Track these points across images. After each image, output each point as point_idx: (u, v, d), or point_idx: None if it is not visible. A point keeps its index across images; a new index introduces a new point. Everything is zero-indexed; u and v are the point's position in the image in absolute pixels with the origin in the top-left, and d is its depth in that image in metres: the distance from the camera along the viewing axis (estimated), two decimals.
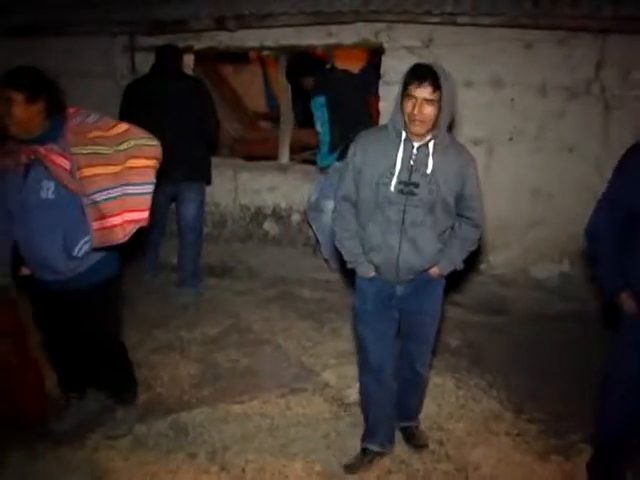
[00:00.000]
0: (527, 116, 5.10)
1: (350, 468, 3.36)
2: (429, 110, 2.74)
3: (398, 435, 3.58)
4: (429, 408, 3.87)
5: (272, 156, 6.42)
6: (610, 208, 2.74)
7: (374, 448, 3.42)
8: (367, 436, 3.46)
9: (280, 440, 3.54)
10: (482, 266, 5.47)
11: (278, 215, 6.16)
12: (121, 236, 2.93)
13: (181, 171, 5.16)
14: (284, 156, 6.29)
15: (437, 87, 2.70)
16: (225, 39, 5.90)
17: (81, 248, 2.98)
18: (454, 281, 5.29)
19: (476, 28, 5.06)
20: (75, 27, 6.09)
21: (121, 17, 5.96)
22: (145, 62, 5.68)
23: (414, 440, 3.55)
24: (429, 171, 2.89)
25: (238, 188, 6.22)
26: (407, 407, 3.58)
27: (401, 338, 3.35)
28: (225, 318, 5.05)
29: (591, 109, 5.00)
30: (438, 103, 2.74)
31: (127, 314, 4.68)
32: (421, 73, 2.72)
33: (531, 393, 4.05)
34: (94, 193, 2.86)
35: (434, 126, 2.82)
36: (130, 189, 2.94)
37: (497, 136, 5.24)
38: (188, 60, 5.92)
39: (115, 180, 2.90)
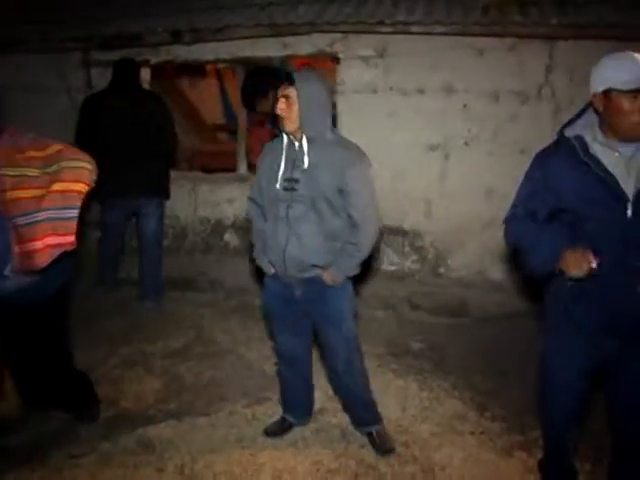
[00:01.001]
0: (481, 121, 5.20)
1: (269, 432, 3.66)
2: (286, 105, 3.02)
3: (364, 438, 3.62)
4: (393, 411, 3.91)
5: (231, 168, 6.43)
6: (523, 213, 2.76)
7: (290, 419, 3.72)
8: (286, 409, 3.74)
9: (248, 450, 3.52)
10: (441, 269, 5.54)
11: (238, 226, 6.16)
12: (41, 261, 2.81)
13: (140, 187, 5.15)
14: (242, 167, 6.30)
15: (291, 84, 3.00)
16: (181, 52, 5.93)
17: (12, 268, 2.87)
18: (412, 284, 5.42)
19: (429, 37, 5.15)
20: (27, 44, 6.06)
21: (75, 33, 5.95)
22: (102, 77, 5.68)
23: (377, 446, 3.55)
24: (306, 166, 3.08)
25: (197, 200, 6.22)
26: (356, 412, 3.66)
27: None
28: (188, 330, 5.04)
29: (542, 112, 5.11)
30: (297, 100, 2.99)
31: (89, 331, 4.66)
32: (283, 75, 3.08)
33: (493, 392, 4.11)
34: (17, 217, 2.76)
35: (301, 123, 3.04)
36: (53, 213, 2.83)
37: (452, 141, 5.32)
38: (145, 74, 5.92)
39: (38, 204, 2.79)
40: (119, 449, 3.53)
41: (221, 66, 7.45)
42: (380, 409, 3.86)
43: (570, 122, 2.64)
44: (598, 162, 2.48)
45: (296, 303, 3.32)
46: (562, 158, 2.58)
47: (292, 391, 3.68)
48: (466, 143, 5.26)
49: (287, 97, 3.01)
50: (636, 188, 2.44)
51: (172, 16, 5.83)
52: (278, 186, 3.12)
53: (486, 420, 3.85)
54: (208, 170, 6.59)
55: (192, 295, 5.76)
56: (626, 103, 2.37)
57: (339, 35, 5.40)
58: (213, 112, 9.08)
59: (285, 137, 3.14)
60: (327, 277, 3.19)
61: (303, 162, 3.08)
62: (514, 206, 2.82)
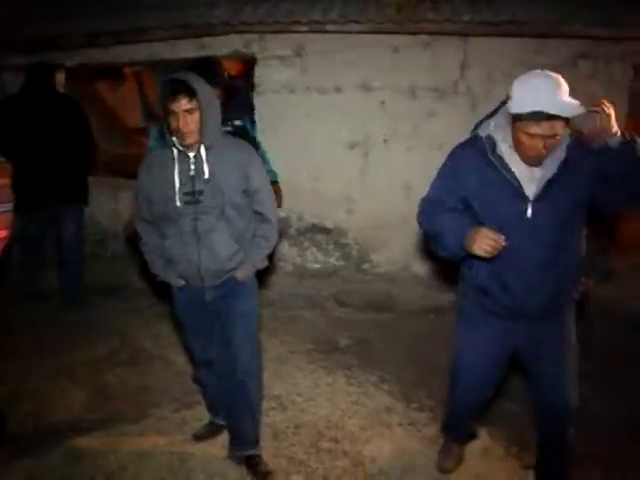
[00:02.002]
0: (399, 117, 5.27)
1: (198, 437, 3.65)
2: (191, 119, 2.87)
3: (307, 438, 3.65)
4: (323, 407, 3.96)
5: None
6: (435, 204, 2.88)
7: (219, 422, 3.68)
8: (213, 413, 3.72)
9: (178, 455, 3.50)
10: (365, 265, 5.60)
11: None
12: None
13: (57, 194, 5.05)
14: None
15: (192, 95, 2.84)
16: (98, 55, 5.80)
17: None
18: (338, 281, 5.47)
19: (345, 35, 5.18)
20: None
21: None
22: (15, 81, 5.51)
23: (256, 473, 3.37)
24: (207, 176, 2.98)
25: (119, 206, 6.10)
26: (241, 425, 3.43)
27: (220, 347, 3.37)
28: (113, 338, 4.95)
29: (458, 107, 5.21)
30: (199, 111, 2.88)
31: (12, 344, 4.54)
32: (173, 88, 2.85)
33: (420, 383, 4.20)
34: None
35: (202, 132, 2.93)
36: None
37: (371, 139, 5.38)
38: (60, 78, 5.77)
39: None
40: (46, 465, 3.44)
41: (138, 68, 7.33)
42: (310, 406, 3.92)
43: (483, 121, 2.76)
44: (503, 162, 2.63)
45: (206, 306, 3.24)
46: (473, 156, 2.71)
47: (215, 394, 3.62)
48: (385, 140, 5.32)
49: (190, 111, 2.86)
50: (537, 189, 2.60)
51: (89, 18, 5.70)
52: (178, 202, 2.97)
53: (413, 411, 3.93)
54: (129, 175, 6.48)
55: (116, 302, 5.64)
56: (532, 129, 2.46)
57: (255, 35, 5.39)
58: (133, 116, 8.93)
59: (175, 149, 2.99)
60: (240, 274, 3.16)
61: (203, 172, 2.98)
62: (427, 196, 2.95)
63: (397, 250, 5.49)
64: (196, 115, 2.87)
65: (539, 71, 2.50)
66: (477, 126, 2.77)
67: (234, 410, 3.40)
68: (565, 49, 5.05)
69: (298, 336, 4.84)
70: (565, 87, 2.42)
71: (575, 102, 2.39)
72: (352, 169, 5.34)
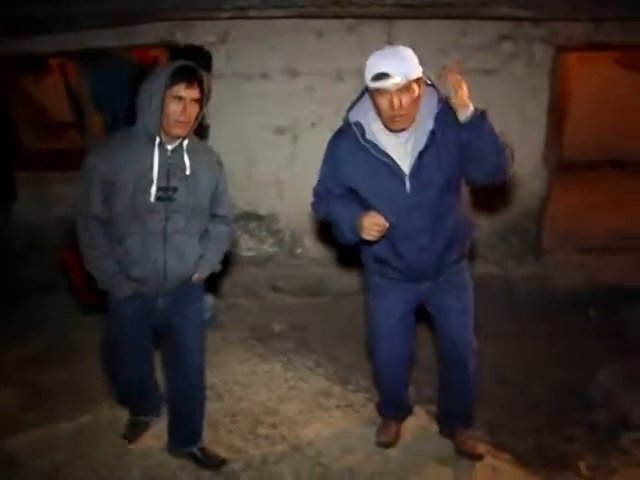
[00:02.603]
0: (326, 101, 5.24)
1: (129, 437, 3.54)
2: (194, 111, 2.75)
3: (245, 425, 3.66)
4: (260, 394, 3.98)
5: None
6: (325, 191, 3.04)
7: (144, 419, 3.63)
8: (136, 412, 3.64)
9: (115, 452, 3.45)
10: (298, 250, 5.59)
11: None
12: None
13: None
14: None
15: (202, 87, 2.74)
16: (20, 45, 5.59)
17: None
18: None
19: (269, 20, 5.14)
20: None
21: None
22: None
23: (206, 462, 3.36)
24: (188, 172, 2.87)
25: (50, 201, 5.96)
26: (187, 428, 3.40)
27: (170, 352, 3.31)
28: (47, 335, 4.84)
29: None
30: (200, 103, 2.77)
31: None
32: (190, 74, 2.72)
33: (355, 365, 4.26)
34: None
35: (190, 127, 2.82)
36: None
37: (299, 123, 5.34)
38: None
39: None
40: None
41: (62, 60, 7.14)
42: (247, 393, 3.94)
43: (352, 105, 2.86)
44: (375, 145, 2.77)
45: (153, 316, 3.13)
46: (347, 142, 2.84)
47: (136, 396, 3.57)
48: (313, 124, 5.31)
49: (197, 101, 2.74)
50: (411, 163, 2.75)
51: (9, 6, 5.51)
52: (152, 198, 2.80)
53: (350, 393, 3.98)
54: (59, 168, 6.33)
55: (50, 299, 5.49)
56: (382, 100, 2.63)
57: (179, 23, 5.30)
58: (60, 109, 8.72)
59: (146, 137, 2.79)
60: (197, 277, 3.12)
61: (184, 168, 2.85)
62: (316, 187, 3.10)
63: (328, 233, 5.47)
64: (197, 107, 2.76)
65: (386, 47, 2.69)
66: (348, 110, 2.87)
67: (184, 411, 3.35)
68: (488, 30, 5.12)
69: (233, 324, 4.83)
70: (407, 54, 2.60)
71: (410, 65, 2.57)
72: (282, 155, 5.33)
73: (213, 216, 3.10)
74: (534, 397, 3.98)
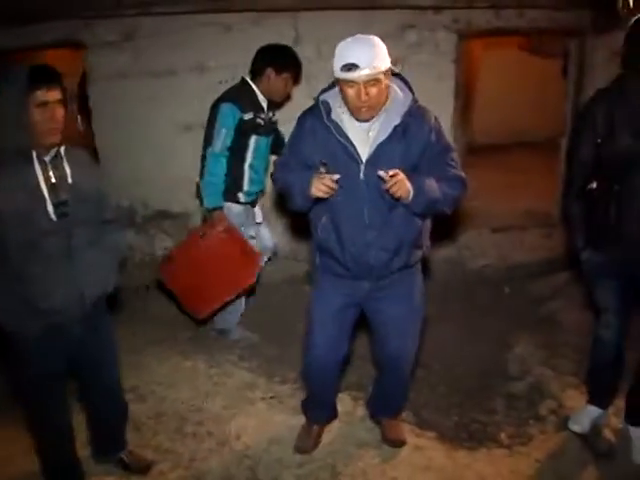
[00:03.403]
0: None
1: None
2: (61, 113, 2.52)
3: (171, 425, 3.60)
4: (184, 393, 3.94)
5: None
6: (288, 161, 3.02)
7: None
8: None
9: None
10: None
11: None
12: None
13: None
14: None
15: (62, 86, 2.53)
16: None
17: None
18: None
19: (175, 16, 5.08)
20: None
21: None
22: None
23: (133, 466, 3.30)
24: (70, 181, 2.62)
25: None
26: (112, 437, 3.32)
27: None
28: None
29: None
30: (64, 103, 2.54)
31: None
32: (46, 74, 2.51)
33: (280, 356, 4.26)
34: None
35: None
36: None
37: None
38: None
39: None
40: None
41: None
42: (171, 392, 3.91)
43: (326, 89, 2.85)
44: (338, 126, 2.76)
45: (68, 348, 2.83)
46: (313, 119, 2.83)
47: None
48: None
49: (60, 102, 2.50)
50: (369, 154, 2.74)
51: None
52: (52, 216, 2.55)
53: (275, 384, 3.99)
54: None
55: None
56: (349, 91, 2.63)
57: (83, 21, 5.15)
58: None
59: (18, 151, 2.52)
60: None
61: (66, 177, 2.61)
62: (280, 158, 3.14)
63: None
64: (62, 109, 2.50)
65: (357, 35, 2.64)
66: (322, 92, 2.86)
67: (105, 420, 3.25)
68: (392, 20, 5.19)
69: (152, 324, 4.75)
70: (377, 45, 2.59)
71: (380, 56, 2.57)
72: (193, 151, 5.22)
73: (103, 222, 2.85)
74: (455, 375, 4.11)
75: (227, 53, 5.21)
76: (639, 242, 2.98)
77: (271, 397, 3.86)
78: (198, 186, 4.23)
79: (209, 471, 3.30)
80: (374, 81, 2.57)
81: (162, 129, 5.27)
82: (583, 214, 3.16)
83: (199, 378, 4.10)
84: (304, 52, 5.13)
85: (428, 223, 3.04)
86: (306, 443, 3.42)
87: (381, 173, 2.61)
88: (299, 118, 2.94)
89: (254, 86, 4.18)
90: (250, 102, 4.13)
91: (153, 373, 4.16)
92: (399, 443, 3.42)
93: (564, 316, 4.60)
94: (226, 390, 3.97)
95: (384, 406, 3.51)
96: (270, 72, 4.13)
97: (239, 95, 4.12)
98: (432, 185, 2.75)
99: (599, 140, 2.95)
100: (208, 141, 4.12)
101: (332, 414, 3.57)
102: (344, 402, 3.77)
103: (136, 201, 5.41)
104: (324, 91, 2.85)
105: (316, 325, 3.15)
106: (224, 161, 4.09)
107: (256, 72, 4.19)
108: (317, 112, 2.81)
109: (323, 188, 2.68)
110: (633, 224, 2.96)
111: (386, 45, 4.98)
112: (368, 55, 2.54)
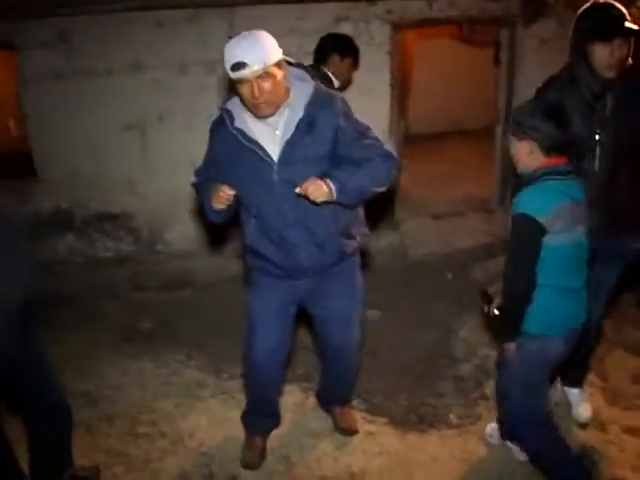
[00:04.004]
0: (172, 94, 5.20)
1: None
2: None
3: (123, 427, 3.61)
4: (134, 394, 3.92)
5: None
6: (203, 179, 2.96)
7: None
8: None
9: None
10: (159, 246, 5.54)
11: None
12: None
13: None
14: None
15: None
16: None
17: None
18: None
19: (109, 15, 5.00)
20: None
21: None
22: None
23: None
24: None
25: None
26: (55, 456, 3.11)
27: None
28: None
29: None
30: None
31: None
32: None
33: (227, 353, 4.21)
34: None
35: None
36: None
37: (147, 118, 5.26)
38: None
39: None
40: None
41: None
42: (121, 395, 3.91)
43: (229, 97, 2.80)
44: (243, 133, 2.71)
45: None
46: (221, 129, 2.78)
47: None
48: (160, 118, 5.25)
49: None
50: (280, 153, 2.70)
51: None
52: None
53: (225, 381, 4.00)
54: None
55: None
56: (243, 89, 2.57)
57: (15, 22, 5.03)
58: None
59: None
60: None
61: None
62: (196, 169, 3.04)
63: (188, 226, 5.44)
64: None
65: (243, 32, 2.60)
66: (226, 101, 2.82)
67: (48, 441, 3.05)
68: (326, 13, 5.23)
69: (99, 328, 4.68)
70: (264, 39, 2.55)
71: (268, 50, 2.52)
72: (131, 151, 5.21)
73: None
74: (404, 360, 4.16)
75: (161, 51, 5.18)
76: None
77: (222, 394, 3.86)
78: None
79: (164, 471, 3.29)
80: (265, 75, 2.52)
81: (100, 129, 5.21)
82: None
83: (148, 379, 4.08)
84: None
85: (359, 212, 3.02)
86: (252, 457, 3.33)
87: (296, 190, 2.60)
88: (210, 129, 2.88)
89: (329, 72, 4.19)
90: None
91: (102, 377, 4.12)
92: (351, 431, 3.46)
93: None
94: (176, 389, 3.96)
95: (333, 395, 3.54)
96: (335, 58, 4.20)
97: (321, 80, 4.11)
98: (355, 173, 2.72)
99: None
100: None
101: (274, 423, 3.50)
102: (294, 394, 3.81)
103: (75, 204, 5.33)
104: (227, 100, 2.81)
105: (257, 327, 3.07)
106: None
107: (321, 59, 4.24)
108: (223, 121, 2.76)
109: (221, 199, 2.69)
110: None
111: None
112: (255, 51, 2.49)
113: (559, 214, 2.53)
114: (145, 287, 5.21)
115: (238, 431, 3.46)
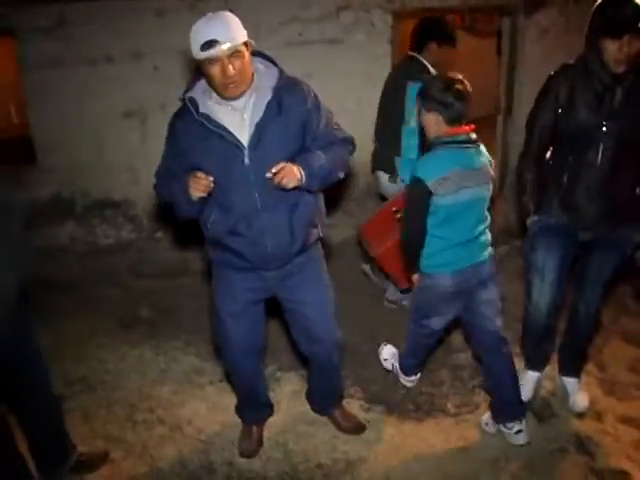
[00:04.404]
0: (173, 81, 5.17)
1: None
2: None
3: (121, 413, 3.60)
4: (133, 381, 3.96)
5: None
6: (165, 174, 2.93)
7: None
8: None
9: None
10: (158, 234, 5.58)
11: None
12: None
13: None
14: None
15: None
16: None
17: None
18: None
19: (108, 2, 5.01)
20: None
21: None
22: None
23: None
24: None
25: None
26: (48, 452, 3.18)
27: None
28: None
29: None
30: None
31: None
32: None
33: None
34: None
35: None
36: None
37: (148, 106, 5.27)
38: None
39: None
40: None
41: None
42: (120, 381, 3.95)
43: (189, 86, 2.76)
44: (209, 118, 2.66)
45: None
46: (183, 120, 2.74)
47: None
48: (162, 105, 5.24)
49: None
50: (250, 137, 2.67)
51: None
52: None
53: (222, 368, 3.98)
54: None
55: None
56: (213, 69, 2.54)
57: (12, 7, 5.04)
58: None
59: None
60: None
61: None
62: (158, 169, 2.98)
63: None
64: None
65: (208, 14, 2.58)
66: (186, 91, 2.75)
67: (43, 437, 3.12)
68: (327, 1, 5.23)
69: (99, 314, 4.70)
70: (231, 18, 2.54)
71: (237, 29, 2.52)
72: (132, 139, 5.21)
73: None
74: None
75: (161, 39, 5.17)
76: (586, 213, 3.09)
77: (219, 380, 3.88)
78: (376, 153, 4.47)
79: (163, 457, 3.32)
80: (237, 53, 2.51)
81: (100, 117, 5.22)
82: (537, 181, 3.25)
83: (147, 366, 4.11)
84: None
85: (321, 201, 3.01)
86: (249, 445, 3.36)
87: (268, 175, 2.59)
88: (169, 124, 2.84)
89: (425, 61, 4.16)
90: None
91: (102, 363, 4.15)
92: (358, 429, 3.43)
93: (504, 287, 4.69)
94: (174, 376, 3.98)
95: (325, 399, 3.50)
96: (433, 45, 4.15)
97: (419, 71, 4.08)
98: (321, 158, 2.73)
99: (560, 110, 3.04)
100: (401, 118, 4.09)
101: (267, 412, 3.51)
102: (291, 381, 3.85)
103: (76, 191, 5.34)
104: (187, 91, 2.74)
105: (227, 323, 3.04)
106: (417, 137, 4.01)
107: (418, 46, 4.20)
108: (186, 111, 2.71)
109: (199, 187, 2.62)
110: (582, 195, 3.06)
111: (322, 26, 5.04)
112: (225, 29, 2.48)
113: (445, 179, 2.89)
114: (145, 274, 5.23)
115: (236, 418, 3.48)
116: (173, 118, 2.81)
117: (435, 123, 2.98)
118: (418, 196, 2.98)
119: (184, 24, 4.96)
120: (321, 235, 3.02)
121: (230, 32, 2.48)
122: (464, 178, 2.93)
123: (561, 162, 3.13)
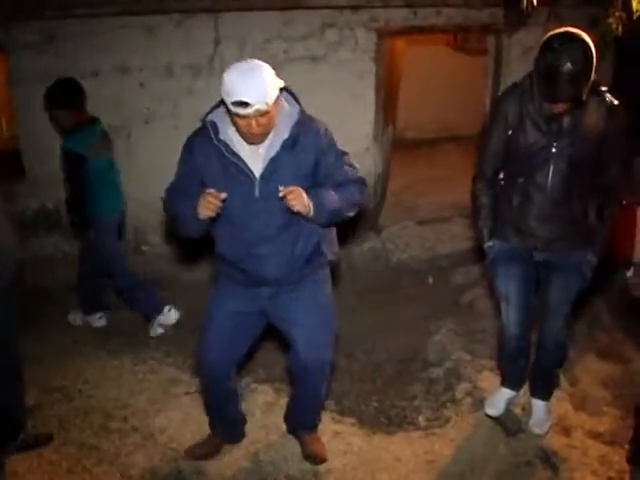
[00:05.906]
0: (159, 97, 5.29)
1: None
2: None
3: (96, 422, 3.66)
4: (110, 390, 4.00)
5: None
6: (176, 190, 2.94)
7: None
8: None
9: None
10: (145, 247, 5.64)
11: None
12: None
13: None
14: None
15: None
16: None
17: None
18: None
19: (97, 19, 5.10)
20: None
21: None
22: None
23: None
24: None
25: None
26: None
27: None
28: None
29: (216, 83, 5.21)
30: None
31: None
32: None
33: None
34: None
35: None
36: None
37: (133, 121, 5.35)
38: None
39: None
40: None
41: None
42: (98, 391, 3.99)
43: (213, 109, 2.81)
44: (227, 146, 2.73)
45: None
46: (201, 141, 2.80)
47: None
48: (147, 121, 5.32)
49: None
50: (262, 170, 2.75)
51: None
52: None
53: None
54: None
55: None
56: (240, 121, 2.60)
57: (2, 23, 5.12)
58: None
59: None
60: None
61: None
62: (170, 184, 3.00)
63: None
64: None
65: (245, 61, 2.61)
66: (208, 113, 2.81)
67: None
68: (312, 19, 5.30)
69: (82, 325, 4.78)
70: (267, 76, 2.54)
71: (270, 89, 2.53)
72: (117, 153, 5.23)
73: None
74: (377, 363, 4.24)
75: (148, 55, 5.26)
76: (539, 235, 3.11)
77: (195, 391, 3.90)
78: None
79: (134, 465, 3.35)
80: (265, 113, 2.56)
81: None
82: (491, 204, 3.26)
83: (125, 376, 4.15)
84: (225, 53, 5.22)
85: (332, 231, 3.07)
86: (199, 450, 3.41)
87: (280, 189, 2.64)
88: (186, 142, 2.88)
89: None
90: None
91: (81, 372, 4.20)
92: (320, 459, 3.36)
93: (483, 303, 4.74)
94: (151, 386, 4.03)
95: (299, 420, 3.45)
96: None
97: None
98: (332, 196, 2.80)
99: (510, 132, 3.04)
100: None
101: (237, 433, 3.50)
102: (267, 393, 3.89)
103: (61, 203, 5.38)
104: (210, 111, 2.80)
105: (209, 327, 3.09)
106: None
107: None
108: (205, 133, 2.77)
109: (209, 206, 2.66)
110: (534, 218, 3.08)
111: (306, 44, 5.09)
112: (259, 91, 2.49)
113: None
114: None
115: (208, 428, 3.49)
116: (191, 137, 2.87)
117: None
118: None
119: (170, 40, 5.16)
120: (333, 261, 3.11)
121: (263, 95, 2.50)
122: None
123: (512, 184, 3.14)
